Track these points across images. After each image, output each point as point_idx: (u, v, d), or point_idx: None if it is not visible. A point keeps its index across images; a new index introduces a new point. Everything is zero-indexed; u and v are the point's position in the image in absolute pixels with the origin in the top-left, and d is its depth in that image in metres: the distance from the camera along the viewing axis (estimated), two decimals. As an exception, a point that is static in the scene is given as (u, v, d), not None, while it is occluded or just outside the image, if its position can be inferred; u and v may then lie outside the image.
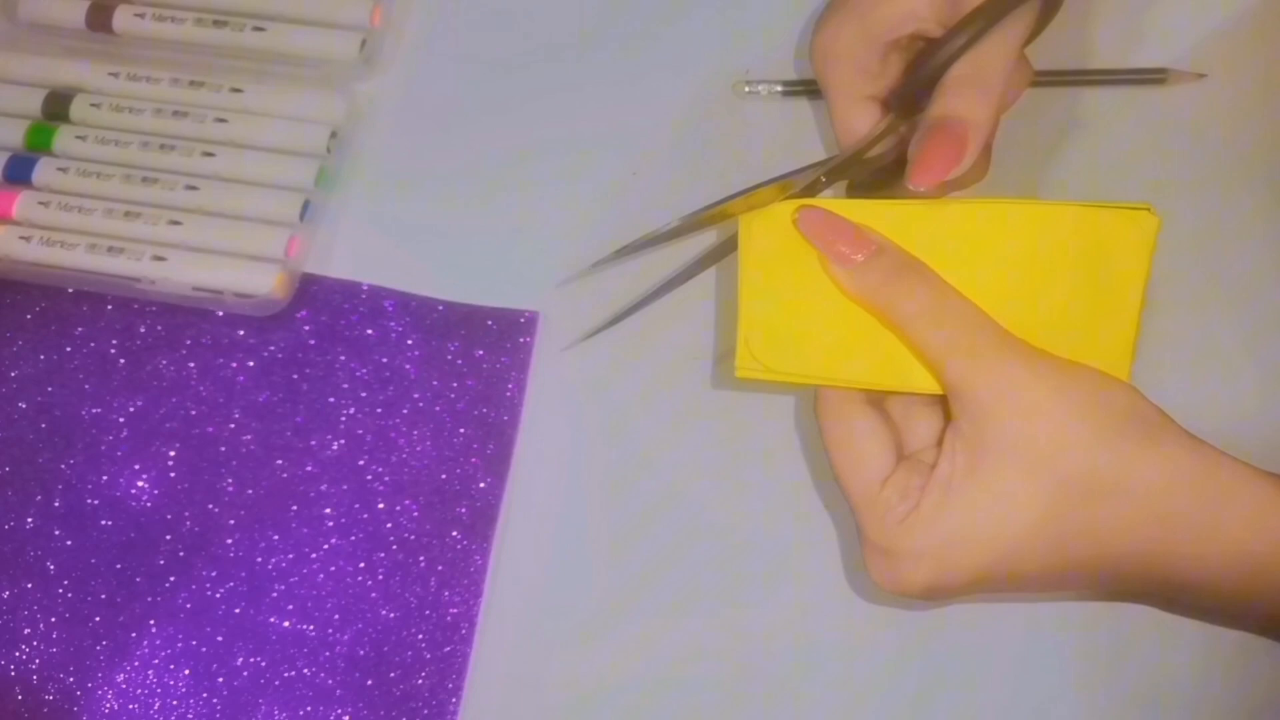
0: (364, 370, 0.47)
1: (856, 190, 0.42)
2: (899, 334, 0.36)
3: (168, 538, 0.45)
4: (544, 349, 0.46)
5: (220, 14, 0.50)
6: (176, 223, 0.47)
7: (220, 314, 0.47)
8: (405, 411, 0.46)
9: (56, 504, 0.46)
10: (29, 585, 0.45)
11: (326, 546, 0.45)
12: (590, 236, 0.47)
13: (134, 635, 0.44)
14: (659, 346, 0.46)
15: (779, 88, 0.48)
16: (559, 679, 0.43)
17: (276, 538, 0.45)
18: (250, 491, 0.45)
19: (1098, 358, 0.35)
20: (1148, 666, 0.41)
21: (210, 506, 0.45)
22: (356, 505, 0.45)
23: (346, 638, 0.44)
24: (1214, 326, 0.44)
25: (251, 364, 0.47)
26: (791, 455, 0.45)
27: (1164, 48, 0.48)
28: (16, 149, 0.49)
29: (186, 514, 0.45)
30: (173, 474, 0.46)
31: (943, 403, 0.36)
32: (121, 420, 0.47)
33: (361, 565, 0.44)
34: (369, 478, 0.45)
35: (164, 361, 0.47)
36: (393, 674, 0.43)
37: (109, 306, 0.48)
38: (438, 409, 0.46)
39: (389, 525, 0.45)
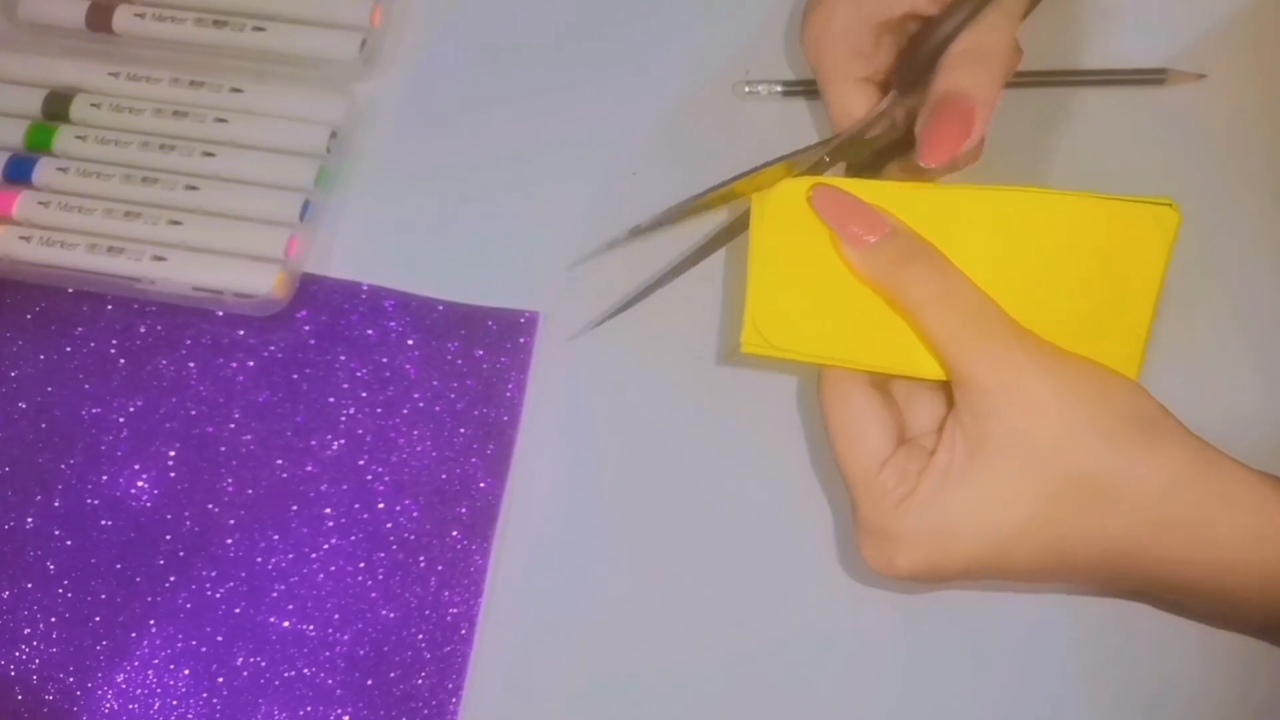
0: (364, 370, 0.47)
1: (855, 173, 0.42)
2: (906, 318, 0.36)
3: (168, 538, 0.45)
4: (544, 349, 0.46)
5: (220, 14, 0.50)
6: (176, 223, 0.47)
7: (220, 314, 0.47)
8: (405, 411, 0.46)
9: (56, 504, 0.46)
10: (29, 585, 0.45)
11: (326, 546, 0.45)
12: (590, 236, 0.47)
13: (134, 635, 0.44)
14: (659, 346, 0.46)
15: (779, 88, 0.48)
16: (559, 679, 0.43)
17: (276, 538, 0.45)
18: (250, 491, 0.45)
19: (1108, 354, 0.34)
20: (1150, 667, 0.41)
21: (210, 506, 0.45)
22: (356, 505, 0.45)
23: (346, 638, 0.44)
24: (1214, 326, 0.44)
25: (251, 364, 0.47)
26: (795, 457, 0.44)
27: (1164, 48, 0.48)
28: (16, 149, 0.49)
29: (186, 514, 0.45)
30: (173, 474, 0.46)
31: (947, 389, 0.36)
32: (121, 420, 0.47)
33: (361, 565, 0.44)
34: (369, 478, 0.45)
35: (164, 361, 0.47)
36: (393, 674, 0.43)
37: (109, 306, 0.48)
38: (438, 409, 0.46)
39: (389, 525, 0.45)
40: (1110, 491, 0.33)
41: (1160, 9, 0.48)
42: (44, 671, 0.44)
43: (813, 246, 0.37)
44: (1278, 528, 0.33)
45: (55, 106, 0.50)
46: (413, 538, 0.45)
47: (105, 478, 0.46)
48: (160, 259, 0.47)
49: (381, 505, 0.45)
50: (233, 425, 0.46)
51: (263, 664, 0.44)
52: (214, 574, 0.45)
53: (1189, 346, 0.44)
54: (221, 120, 0.49)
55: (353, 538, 0.45)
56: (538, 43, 0.50)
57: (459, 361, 0.46)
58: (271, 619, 0.44)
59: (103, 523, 0.45)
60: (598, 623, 0.43)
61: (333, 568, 0.44)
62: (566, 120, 0.49)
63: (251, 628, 0.44)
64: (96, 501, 0.46)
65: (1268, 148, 0.46)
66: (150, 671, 0.44)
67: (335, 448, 0.46)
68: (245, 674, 0.43)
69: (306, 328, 0.47)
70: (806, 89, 0.48)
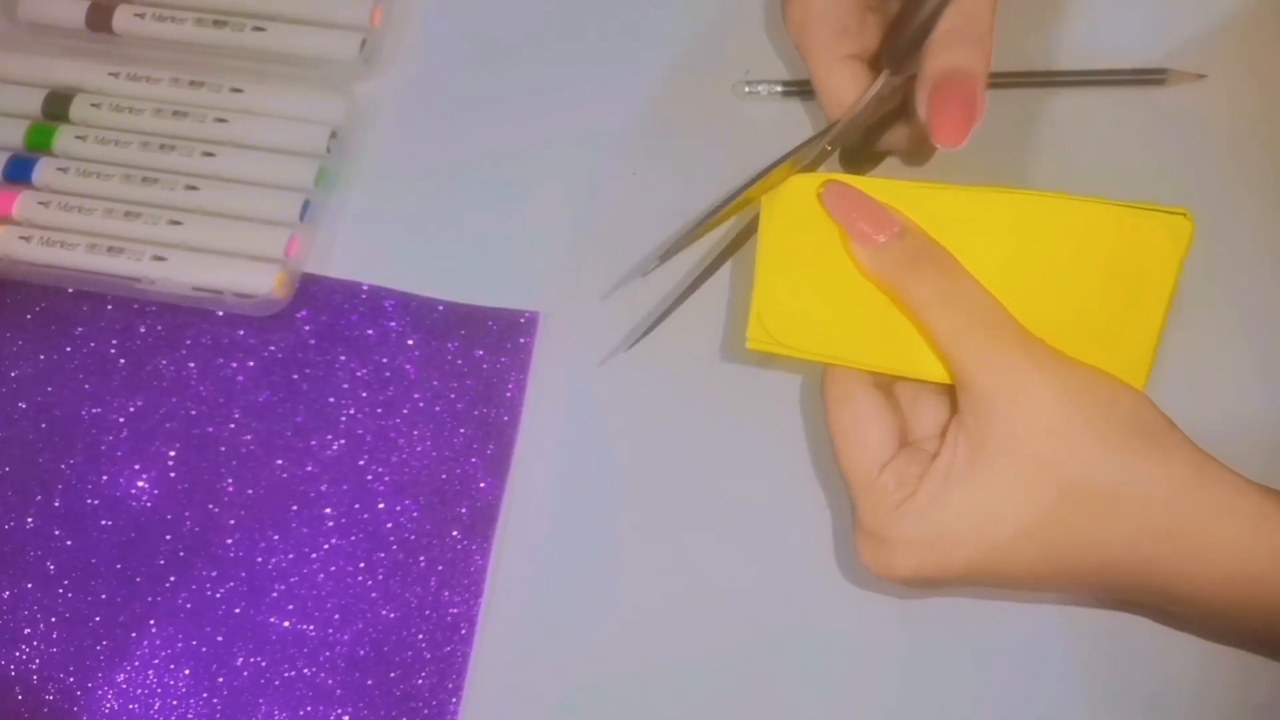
0: (364, 370, 0.47)
1: (848, 154, 0.42)
2: (913, 319, 0.36)
3: (168, 538, 0.45)
4: (544, 349, 0.46)
5: (220, 14, 0.50)
6: (176, 223, 0.47)
7: (220, 314, 0.47)
8: (405, 411, 0.46)
9: (56, 504, 0.46)
10: (29, 585, 0.45)
11: (326, 546, 0.45)
12: (591, 237, 0.47)
13: (134, 635, 0.44)
14: (660, 346, 0.46)
15: (779, 88, 0.48)
16: (559, 679, 0.43)
17: (276, 538, 0.45)
18: (250, 491, 0.45)
19: (1115, 362, 0.34)
20: (1149, 670, 0.41)
21: (210, 506, 0.45)
22: (356, 505, 0.45)
23: (346, 638, 0.44)
24: (1213, 326, 0.44)
25: (251, 364, 0.47)
26: (798, 458, 0.44)
27: (1164, 48, 0.48)
28: (16, 149, 0.49)
29: (186, 514, 0.45)
30: (173, 474, 0.46)
31: (951, 394, 0.36)
32: (121, 420, 0.47)
33: (361, 565, 0.44)
34: (369, 478, 0.45)
35: (164, 361, 0.47)
36: (393, 674, 0.43)
37: (109, 306, 0.48)
38: (438, 409, 0.46)
39: (389, 525, 0.45)
40: (1111, 500, 0.33)
41: (1160, 9, 0.48)
42: (44, 671, 0.44)
43: (821, 244, 0.37)
44: (1278, 541, 0.33)
45: (55, 106, 0.50)
46: (413, 538, 0.45)
47: (105, 478, 0.46)
48: (160, 259, 0.47)
49: (381, 505, 0.45)
50: (233, 425, 0.46)
51: (263, 664, 0.44)
52: (214, 574, 0.45)
53: (1188, 347, 0.44)
54: (221, 120, 0.49)
55: (353, 538, 0.45)
56: (537, 42, 0.50)
57: (459, 361, 0.46)
58: (271, 619, 0.44)
59: (103, 523, 0.45)
60: (598, 622, 0.43)
61: (333, 568, 0.44)
62: (566, 120, 0.49)
63: (251, 628, 0.44)
64: (96, 501, 0.46)
65: (1268, 148, 0.46)
66: (150, 671, 0.44)
67: (335, 448, 0.46)
68: (245, 674, 0.43)
69: (306, 328, 0.47)
70: (806, 89, 0.48)
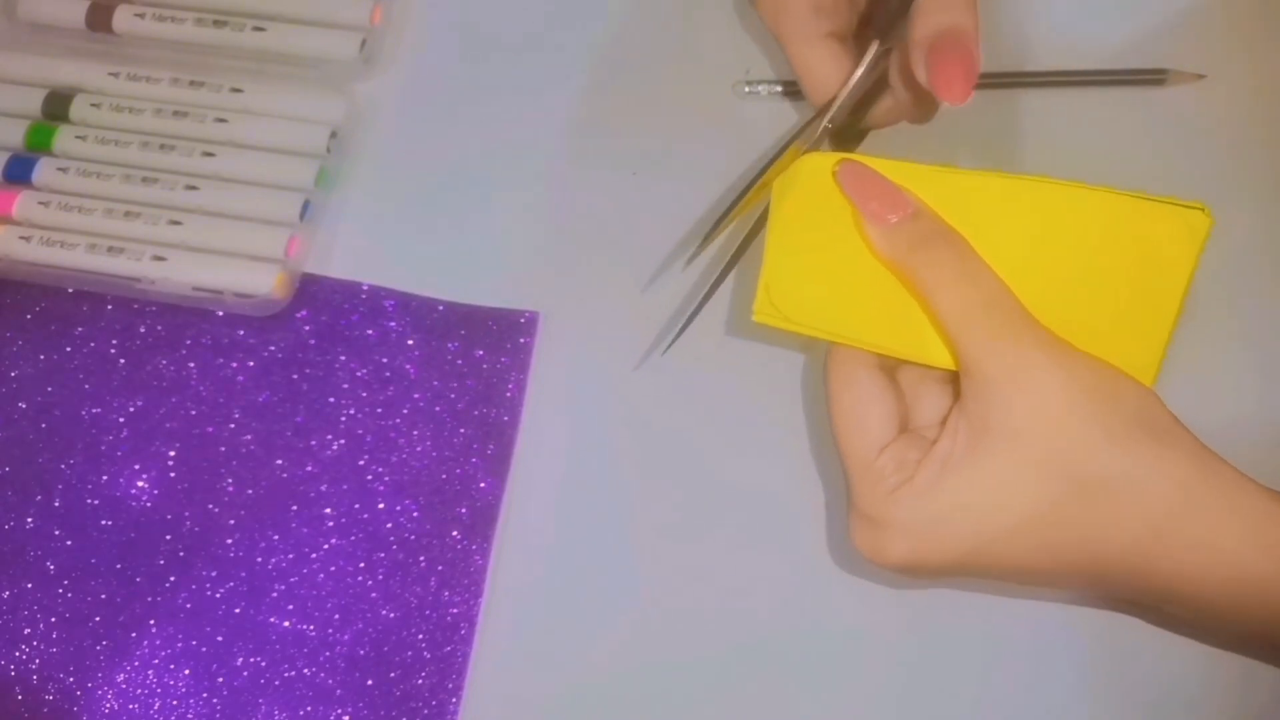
0: (364, 370, 0.47)
1: (834, 135, 0.41)
2: (921, 301, 0.35)
3: (168, 538, 0.45)
4: (544, 349, 0.46)
5: (220, 14, 0.50)
6: (176, 223, 0.47)
7: (220, 314, 0.47)
8: (405, 411, 0.46)
9: (56, 504, 0.46)
10: (29, 585, 0.45)
11: (326, 546, 0.45)
12: (591, 236, 0.47)
13: (134, 635, 0.44)
14: (659, 346, 0.46)
15: (779, 88, 0.48)
16: (559, 679, 0.43)
17: (276, 538, 0.45)
18: (250, 491, 0.45)
19: (1126, 357, 0.34)
20: (1152, 668, 0.41)
21: (210, 506, 0.45)
22: (356, 505, 0.45)
23: (346, 638, 0.44)
24: (1213, 326, 0.44)
25: (251, 364, 0.47)
26: (799, 458, 0.44)
27: (1164, 48, 0.48)
28: (16, 149, 0.49)
29: (186, 514, 0.45)
30: (173, 474, 0.46)
31: (954, 383, 0.36)
32: (121, 420, 0.47)
33: (361, 565, 0.44)
34: (369, 478, 0.45)
35: (164, 361, 0.47)
36: (393, 674, 0.43)
37: (109, 306, 0.48)
38: (438, 409, 0.46)
39: (389, 525, 0.45)
40: (1113, 494, 0.33)
41: (1161, 9, 0.48)
42: (44, 671, 0.44)
43: (833, 222, 0.36)
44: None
45: (55, 106, 0.50)
46: (413, 538, 0.45)
47: (105, 478, 0.46)
48: (160, 259, 0.47)
49: (381, 505, 0.45)
50: (233, 425, 0.46)
51: (263, 664, 0.44)
52: (214, 574, 0.45)
53: (1187, 347, 0.44)
54: (221, 120, 0.49)
55: (353, 538, 0.45)
56: (537, 42, 0.50)
57: (459, 361, 0.46)
58: (271, 619, 0.44)
59: (103, 523, 0.45)
60: (598, 622, 0.43)
61: (333, 568, 0.44)
62: (566, 120, 0.49)
63: (251, 628, 0.44)
64: (96, 501, 0.46)
65: (1268, 148, 0.46)
66: (150, 671, 0.44)
67: (335, 448, 0.46)
68: (245, 674, 0.43)
69: (306, 328, 0.47)
70: (806, 89, 0.48)
